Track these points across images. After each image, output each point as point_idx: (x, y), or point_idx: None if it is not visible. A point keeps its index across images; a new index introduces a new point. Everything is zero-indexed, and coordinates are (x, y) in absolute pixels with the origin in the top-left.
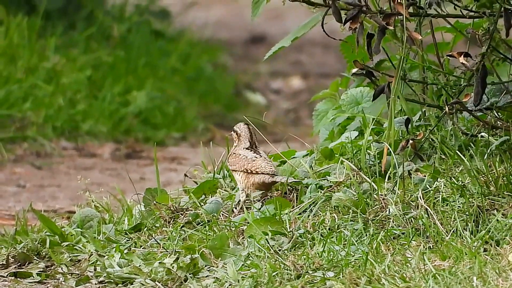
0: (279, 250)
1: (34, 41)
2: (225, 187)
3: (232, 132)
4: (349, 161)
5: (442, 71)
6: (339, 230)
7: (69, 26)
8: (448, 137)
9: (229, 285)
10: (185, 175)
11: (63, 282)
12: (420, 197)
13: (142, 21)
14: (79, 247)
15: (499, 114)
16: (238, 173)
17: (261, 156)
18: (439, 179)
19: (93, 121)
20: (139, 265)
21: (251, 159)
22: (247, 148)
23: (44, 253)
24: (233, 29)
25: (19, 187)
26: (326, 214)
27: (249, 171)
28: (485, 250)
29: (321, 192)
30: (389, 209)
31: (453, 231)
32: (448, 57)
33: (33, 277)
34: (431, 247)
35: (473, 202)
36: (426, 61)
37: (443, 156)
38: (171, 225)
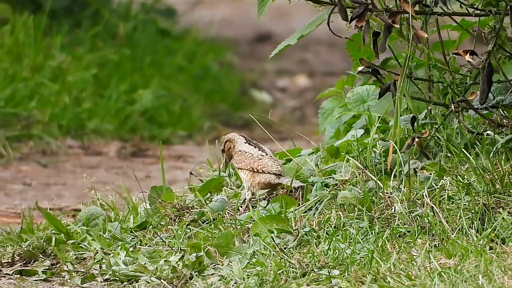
0: (285, 248)
1: (40, 39)
2: (230, 185)
3: (224, 145)
4: (355, 159)
5: (448, 69)
6: (344, 228)
7: (75, 25)
8: (454, 135)
9: (235, 283)
10: (191, 173)
11: (68, 280)
12: (425, 195)
13: (148, 19)
14: (84, 245)
15: (505, 112)
16: (243, 171)
17: (267, 154)
18: (444, 177)
19: (99, 119)
20: (145, 263)
21: (257, 157)
22: (246, 143)
23: (49, 251)
24: (239, 28)
25: (25, 185)
26: (331, 212)
27: (255, 170)
28: (490, 248)
29: (326, 190)
30: (394, 207)
31: (459, 229)
32: (454, 55)
33: (39, 275)
34: (437, 245)
35: (478, 200)
36: (432, 59)
37: (449, 154)
38: (176, 223)
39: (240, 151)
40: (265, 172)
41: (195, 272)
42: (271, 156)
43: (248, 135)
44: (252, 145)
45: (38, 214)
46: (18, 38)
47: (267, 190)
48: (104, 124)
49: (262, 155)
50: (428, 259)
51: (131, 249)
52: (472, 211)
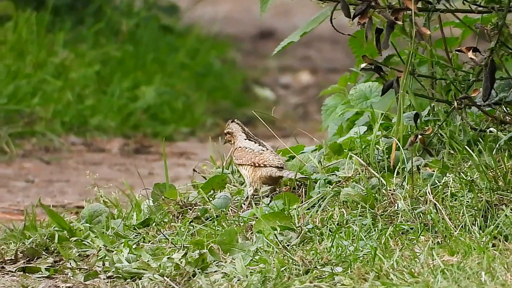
0: (288, 245)
1: (42, 36)
2: (233, 182)
3: (225, 136)
4: (358, 156)
5: (450, 66)
6: (347, 225)
7: (78, 21)
8: (457, 132)
9: (238, 280)
10: (194, 170)
11: (71, 277)
12: (428, 192)
13: (150, 16)
14: (87, 242)
15: (508, 109)
16: (244, 167)
17: (267, 149)
18: (447, 174)
19: (102, 116)
20: (148, 260)
21: (258, 152)
22: (246, 139)
23: (52, 248)
24: (241, 25)
25: (27, 182)
26: (334, 209)
27: (257, 164)
28: (493, 245)
29: (329, 187)
30: (397, 204)
31: (462, 226)
32: (456, 52)
33: (42, 272)
34: (440, 242)
35: (481, 197)
36: (435, 56)
37: (452, 151)
38: (179, 220)
39: (240, 147)
40: (267, 165)
41: (198, 269)
42: (271, 151)
43: (251, 132)
44: (252, 140)
45: (41, 211)
46: (21, 35)
47: (269, 186)
48: (107, 120)
49: (263, 150)
50: (431, 256)
51: (134, 246)
52: (475, 208)
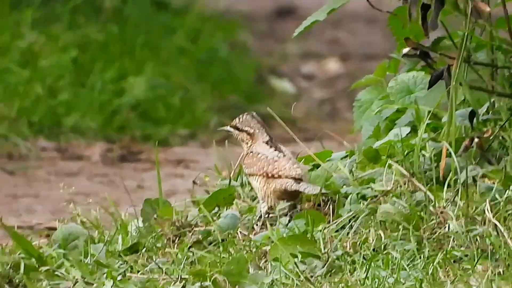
0: (311, 276)
1: (6, 14)
2: (243, 197)
3: (239, 132)
4: (399, 165)
5: None
6: (386, 251)
7: None
8: None
9: None
10: (194, 182)
11: None
12: (487, 210)
13: None
14: (61, 272)
15: None
16: (256, 178)
17: (284, 156)
18: (511, 188)
19: (79, 115)
20: None
21: (273, 159)
22: (266, 142)
23: (17, 281)
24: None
25: None
26: (369, 231)
27: (270, 174)
28: None
29: (363, 203)
30: (448, 225)
31: None
32: None
33: None
34: (501, 273)
35: None
36: (496, 39)
37: None
38: (176, 245)
39: (252, 152)
40: (282, 176)
41: None
42: (290, 158)
43: None
44: (272, 146)
45: (4, 234)
46: None
47: (287, 202)
48: (86, 120)
49: (279, 156)
50: None
51: (119, 277)
52: None
